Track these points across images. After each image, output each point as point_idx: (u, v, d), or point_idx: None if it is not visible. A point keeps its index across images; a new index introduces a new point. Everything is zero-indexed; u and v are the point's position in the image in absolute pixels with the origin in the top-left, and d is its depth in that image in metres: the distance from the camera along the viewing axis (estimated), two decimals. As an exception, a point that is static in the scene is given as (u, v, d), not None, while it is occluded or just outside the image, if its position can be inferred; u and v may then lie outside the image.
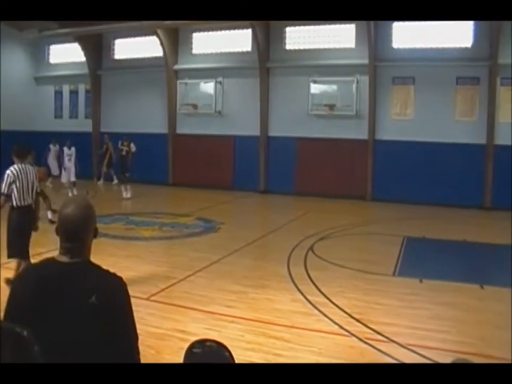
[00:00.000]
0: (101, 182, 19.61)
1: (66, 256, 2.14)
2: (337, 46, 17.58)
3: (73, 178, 16.38)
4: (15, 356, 1.89)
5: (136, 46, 20.79)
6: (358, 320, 6.04)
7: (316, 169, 17.84)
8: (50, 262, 2.16)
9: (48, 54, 22.86)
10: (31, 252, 6.82)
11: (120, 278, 2.17)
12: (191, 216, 13.29)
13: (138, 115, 20.41)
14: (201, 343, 1.91)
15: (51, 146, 19.15)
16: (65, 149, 16.68)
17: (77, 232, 2.15)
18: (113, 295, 2.08)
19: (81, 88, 22.10)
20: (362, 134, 17.18)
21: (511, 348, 4.93)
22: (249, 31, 18.14)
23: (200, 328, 5.71)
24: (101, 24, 17.77)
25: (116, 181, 18.87)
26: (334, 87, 17.46)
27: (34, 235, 7.16)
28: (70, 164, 16.56)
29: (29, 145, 7.74)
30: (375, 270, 8.43)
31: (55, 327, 1.96)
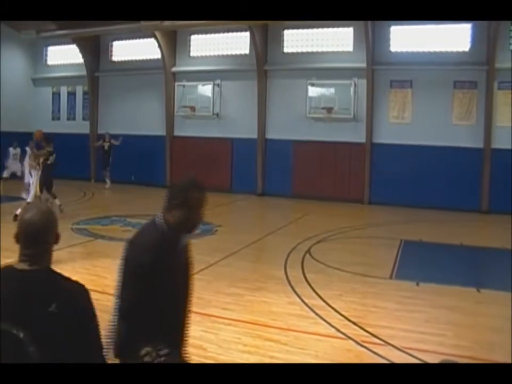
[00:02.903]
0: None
1: (26, 264, 2.01)
2: (335, 49, 17.62)
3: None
4: (11, 357, 1.88)
5: (134, 48, 20.78)
6: (354, 323, 6.04)
7: (313, 172, 17.85)
8: (7, 270, 2.03)
9: (46, 55, 22.83)
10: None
11: (82, 286, 2.10)
12: (189, 219, 13.25)
13: (136, 117, 20.39)
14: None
15: (11, 149, 18.11)
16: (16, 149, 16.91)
17: (38, 238, 2.04)
18: (75, 303, 2.01)
19: (79, 90, 22.07)
20: (360, 137, 17.21)
21: (507, 351, 4.93)
22: (247, 33, 18.16)
23: (197, 331, 5.69)
24: (99, 25, 17.76)
25: (109, 184, 18.92)
26: (332, 90, 17.48)
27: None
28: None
29: None
30: (372, 273, 8.43)
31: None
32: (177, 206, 2.74)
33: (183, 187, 2.80)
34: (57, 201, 12.92)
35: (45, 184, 12.71)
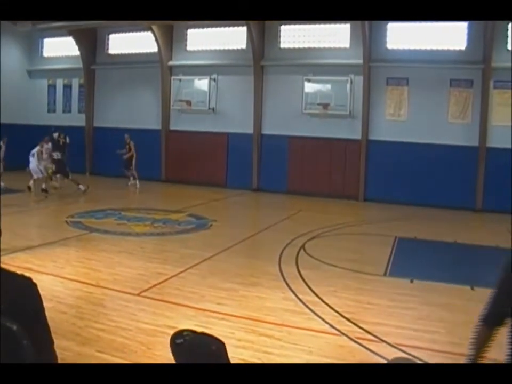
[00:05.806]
0: (134, 182, 18.35)
1: None
2: (331, 45, 17.61)
3: None
4: (4, 350, 1.86)
5: (131, 41, 20.70)
6: (348, 320, 6.05)
7: (308, 168, 17.86)
8: None
9: (42, 47, 22.70)
10: (23, 245, 6.74)
11: (29, 279, 2.03)
12: (183, 213, 13.27)
13: (132, 110, 20.34)
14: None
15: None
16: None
17: None
18: (21, 298, 1.96)
19: (75, 83, 21.99)
20: (356, 134, 17.22)
21: (501, 349, 4.94)
22: (244, 28, 18.12)
23: (191, 325, 5.69)
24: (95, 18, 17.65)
25: (133, 181, 18.41)
26: (328, 86, 17.50)
27: (28, 228, 7.11)
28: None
29: None
30: (366, 270, 8.45)
31: None
32: None
33: None
34: (81, 187, 15.38)
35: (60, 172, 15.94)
